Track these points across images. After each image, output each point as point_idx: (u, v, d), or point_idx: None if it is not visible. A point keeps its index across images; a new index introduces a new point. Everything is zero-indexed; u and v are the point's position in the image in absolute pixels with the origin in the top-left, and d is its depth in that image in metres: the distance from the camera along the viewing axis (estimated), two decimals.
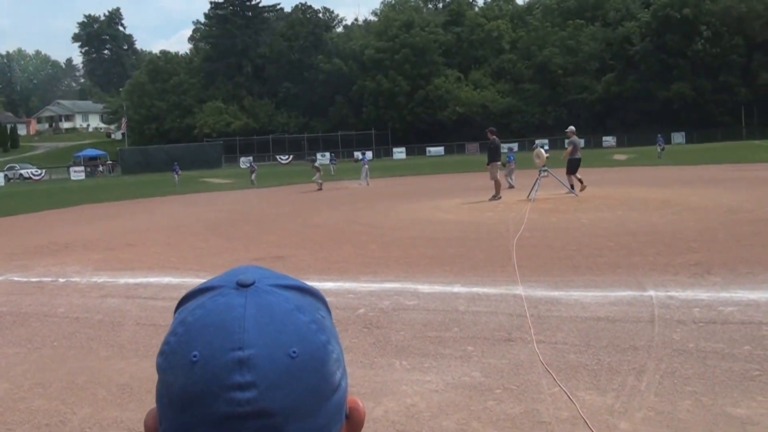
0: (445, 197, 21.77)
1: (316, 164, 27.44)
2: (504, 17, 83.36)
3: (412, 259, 10.83)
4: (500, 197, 19.38)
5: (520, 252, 10.37)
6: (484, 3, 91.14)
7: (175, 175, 41.00)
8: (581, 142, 22.75)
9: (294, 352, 0.75)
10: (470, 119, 71.67)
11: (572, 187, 19.25)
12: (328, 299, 0.85)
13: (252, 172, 39.69)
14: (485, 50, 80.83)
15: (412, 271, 9.73)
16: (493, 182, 19.84)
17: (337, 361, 0.79)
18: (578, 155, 19.75)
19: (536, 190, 18.73)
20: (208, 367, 0.74)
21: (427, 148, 72.58)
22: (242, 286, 0.79)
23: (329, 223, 16.90)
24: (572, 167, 19.55)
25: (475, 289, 8.28)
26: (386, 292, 8.50)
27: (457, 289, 8.38)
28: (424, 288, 8.55)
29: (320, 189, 28.75)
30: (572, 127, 20.68)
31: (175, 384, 0.76)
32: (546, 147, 30.20)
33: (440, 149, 71.78)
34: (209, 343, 0.75)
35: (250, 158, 65.52)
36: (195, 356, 0.75)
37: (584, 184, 19.18)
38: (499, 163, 20.61)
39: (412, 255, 11.25)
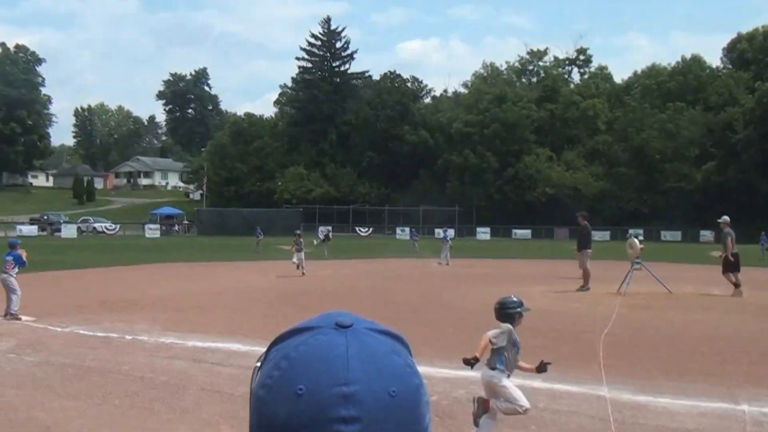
0: (530, 284, 21.70)
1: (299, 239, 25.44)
2: (600, 96, 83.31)
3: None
4: (589, 288, 19.33)
5: (607, 349, 10.25)
6: (581, 80, 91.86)
7: (258, 239, 42.41)
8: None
9: (393, 391, 0.83)
10: (561, 202, 71.38)
11: (736, 285, 18.47)
12: None
13: (324, 240, 40.15)
14: (579, 129, 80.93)
15: None
16: (582, 271, 19.82)
17: (427, 404, 0.88)
18: (735, 249, 18.90)
19: (627, 284, 18.64)
20: (314, 400, 0.82)
21: (514, 230, 72.41)
22: (341, 327, 0.89)
23: (405, 301, 17.20)
24: (733, 265, 18.66)
25: (556, 386, 8.24)
26: (461, 380, 8.44)
27: (537, 383, 8.19)
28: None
29: (303, 274, 24.78)
30: (726, 218, 19.79)
31: (279, 416, 0.84)
32: (640, 237, 29.91)
33: (527, 232, 71.40)
34: (315, 377, 0.83)
35: (329, 227, 66.85)
36: (301, 389, 0.83)
37: (740, 286, 18.46)
38: (590, 251, 20.40)
39: None
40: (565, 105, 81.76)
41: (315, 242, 40.17)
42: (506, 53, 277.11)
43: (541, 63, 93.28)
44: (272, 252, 40.63)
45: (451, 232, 48.38)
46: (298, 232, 26.92)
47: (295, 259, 25.42)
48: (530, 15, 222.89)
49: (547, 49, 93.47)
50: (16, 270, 14.34)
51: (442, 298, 17.54)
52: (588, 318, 14.10)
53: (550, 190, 75.23)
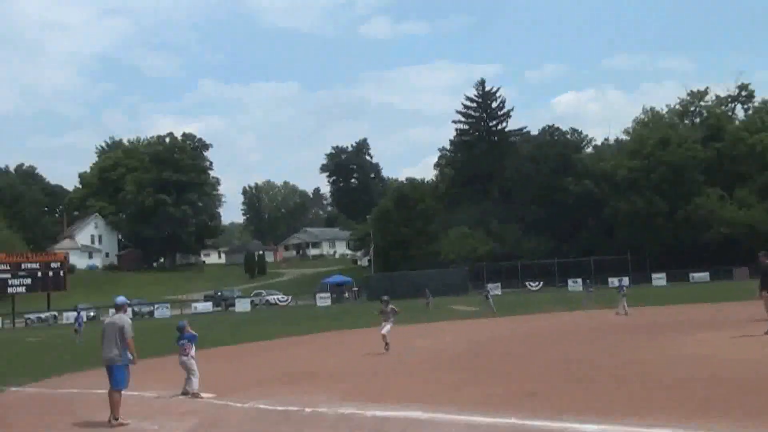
0: (712, 329, 21.19)
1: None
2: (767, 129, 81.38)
3: (682, 403, 10.56)
4: None
5: None
6: (745, 116, 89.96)
7: (427, 301, 44.50)
8: None
9: None
10: (737, 241, 69.98)
11: None
12: None
13: (487, 296, 40.87)
14: (749, 166, 79.41)
15: (683, 419, 9.39)
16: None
17: None
18: None
19: None
20: None
21: (690, 274, 71.40)
22: None
23: (586, 357, 16.84)
24: None
25: None
26: None
27: None
28: None
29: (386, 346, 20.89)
30: None
31: None
32: None
33: (705, 274, 70.22)
34: None
35: (489, 285, 68.49)
36: None
37: None
38: None
39: (680, 398, 11.05)
40: (732, 142, 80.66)
41: (487, 298, 40.77)
42: (665, 97, 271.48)
43: (702, 103, 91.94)
44: (442, 313, 41.28)
45: (626, 281, 48.40)
46: (386, 298, 22.53)
47: (383, 330, 21.00)
48: (687, 57, 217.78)
49: (707, 88, 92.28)
50: (194, 350, 14.77)
51: (622, 352, 16.71)
52: None
53: (725, 230, 74.06)
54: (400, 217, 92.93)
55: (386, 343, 20.50)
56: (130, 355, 12.04)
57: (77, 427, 12.17)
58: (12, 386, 18.19)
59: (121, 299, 13.07)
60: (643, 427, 8.93)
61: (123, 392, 12.17)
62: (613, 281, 60.42)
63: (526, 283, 76.29)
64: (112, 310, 18.44)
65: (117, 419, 11.89)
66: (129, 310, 19.32)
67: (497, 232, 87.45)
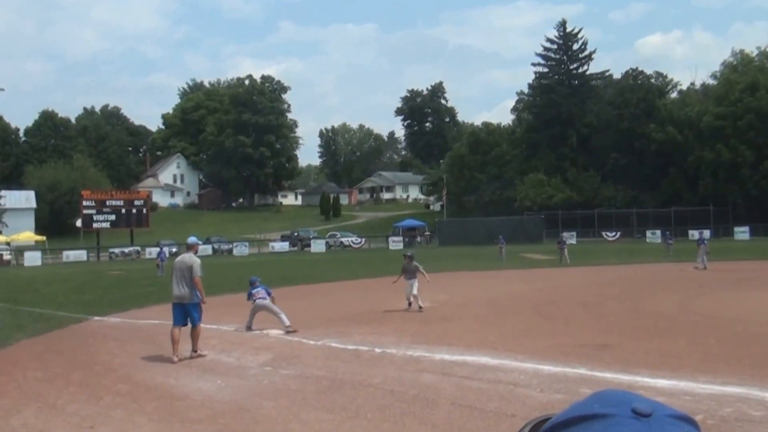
0: None
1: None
2: None
3: (758, 360, 10.46)
4: None
5: None
6: None
7: (500, 248, 44.27)
8: None
9: None
10: None
11: None
12: (661, 399, 0.87)
13: (562, 248, 40.60)
14: None
15: (759, 375, 9.30)
16: None
17: None
18: None
19: None
20: None
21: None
22: (642, 415, 0.78)
23: (660, 310, 16.65)
24: None
25: None
26: (727, 397, 8.15)
27: None
28: None
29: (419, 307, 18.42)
30: None
31: None
32: None
33: None
34: None
35: (565, 234, 67.75)
36: None
37: None
38: None
39: (758, 355, 10.92)
40: None
41: (562, 249, 40.60)
42: (757, 38, 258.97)
43: None
44: (515, 260, 41.46)
45: (707, 234, 46.94)
46: (410, 253, 20.28)
47: (414, 291, 18.62)
48: None
49: None
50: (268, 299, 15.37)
51: (699, 306, 16.58)
52: None
53: None
54: (475, 162, 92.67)
55: (410, 303, 18.43)
56: (198, 294, 12.51)
57: (156, 356, 12.70)
58: (96, 316, 19.08)
59: (192, 239, 13.74)
60: (716, 384, 8.82)
61: (201, 325, 12.75)
62: (694, 233, 58.82)
63: (603, 233, 75.52)
64: (164, 242, 19.10)
65: (196, 351, 12.51)
66: (208, 247, 19.95)
67: (574, 180, 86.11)
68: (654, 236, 66.25)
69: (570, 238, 71.17)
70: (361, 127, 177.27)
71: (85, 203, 66.14)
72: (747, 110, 75.21)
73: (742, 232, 68.65)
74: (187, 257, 12.87)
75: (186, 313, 12.48)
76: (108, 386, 10.14)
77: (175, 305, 12.57)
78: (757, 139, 74.56)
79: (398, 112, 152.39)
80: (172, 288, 12.65)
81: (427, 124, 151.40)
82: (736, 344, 11.94)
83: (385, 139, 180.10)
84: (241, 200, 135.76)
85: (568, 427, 0.78)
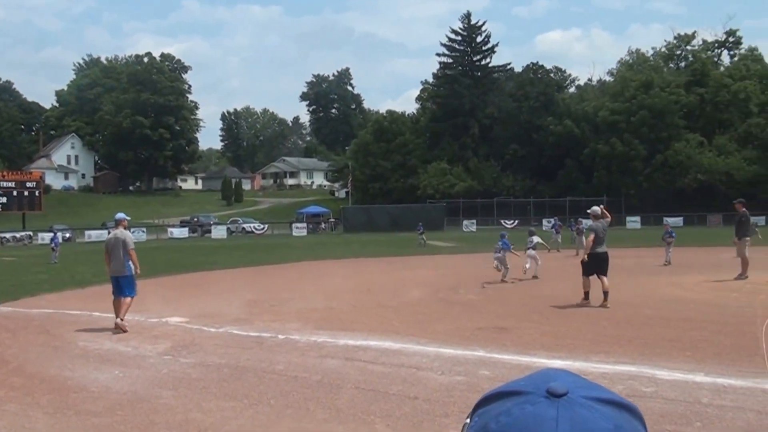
0: (684, 273, 21.39)
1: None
2: (752, 77, 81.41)
3: (647, 341, 10.85)
4: (747, 276, 19.07)
5: None
6: (731, 63, 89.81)
7: (421, 236, 44.40)
8: None
9: None
10: (713, 188, 70.75)
11: None
12: None
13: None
14: (731, 113, 79.90)
15: (648, 354, 9.74)
16: (740, 259, 19.68)
17: None
18: None
19: None
20: None
21: (665, 218, 72.06)
22: (553, 395, 0.76)
23: (556, 294, 17.02)
24: None
25: (720, 380, 8.14)
26: (620, 375, 8.49)
27: (699, 378, 8.24)
28: (663, 374, 8.49)
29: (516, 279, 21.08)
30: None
31: None
32: None
33: (679, 219, 70.86)
34: None
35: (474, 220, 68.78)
36: None
37: None
38: (748, 239, 20.10)
39: (647, 336, 11.34)
40: (715, 89, 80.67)
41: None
42: (652, 39, 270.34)
43: (689, 47, 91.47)
44: (418, 247, 41.55)
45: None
46: (532, 229, 23.05)
47: (528, 265, 21.76)
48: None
49: (695, 32, 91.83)
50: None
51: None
52: (748, 308, 13.89)
53: (702, 177, 74.84)
54: (380, 150, 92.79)
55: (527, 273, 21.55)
56: (132, 266, 13.55)
57: (51, 346, 12.28)
58: None
59: (120, 215, 14.36)
60: (609, 363, 9.22)
61: (130, 298, 13.56)
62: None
63: (502, 220, 76.75)
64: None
65: (122, 320, 13.18)
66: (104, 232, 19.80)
67: (475, 169, 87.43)
68: (549, 224, 67.83)
69: (471, 225, 72.60)
70: (265, 111, 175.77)
71: None
72: (641, 107, 78.29)
73: (633, 221, 71.32)
74: (119, 233, 13.80)
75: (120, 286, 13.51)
76: (0, 379, 9.73)
77: (112, 278, 13.69)
78: (649, 134, 77.77)
79: (303, 97, 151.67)
80: (109, 265, 13.67)
81: (333, 111, 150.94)
82: (626, 326, 12.44)
83: (290, 124, 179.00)
84: (138, 184, 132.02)
85: (489, 403, 0.79)
